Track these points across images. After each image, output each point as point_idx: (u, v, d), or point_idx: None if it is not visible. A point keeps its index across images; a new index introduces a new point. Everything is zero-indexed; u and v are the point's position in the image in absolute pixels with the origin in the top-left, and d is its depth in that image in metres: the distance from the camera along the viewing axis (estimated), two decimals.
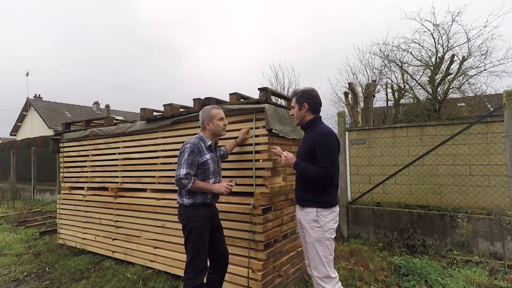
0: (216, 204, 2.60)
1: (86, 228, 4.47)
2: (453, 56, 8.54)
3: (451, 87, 8.63)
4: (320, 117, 2.34)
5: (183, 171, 2.19)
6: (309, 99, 2.26)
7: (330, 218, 2.13)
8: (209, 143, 2.38)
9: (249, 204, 2.72)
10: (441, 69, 8.77)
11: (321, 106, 2.32)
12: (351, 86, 8.96)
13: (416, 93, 9.58)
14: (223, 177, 2.82)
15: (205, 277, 2.34)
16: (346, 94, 10.09)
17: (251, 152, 2.80)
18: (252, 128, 2.80)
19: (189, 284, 2.19)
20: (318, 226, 2.12)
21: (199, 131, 2.48)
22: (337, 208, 2.20)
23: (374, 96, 9.55)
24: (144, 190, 3.76)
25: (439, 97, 8.51)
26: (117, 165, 4.07)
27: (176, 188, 3.35)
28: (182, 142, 3.31)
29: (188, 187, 2.19)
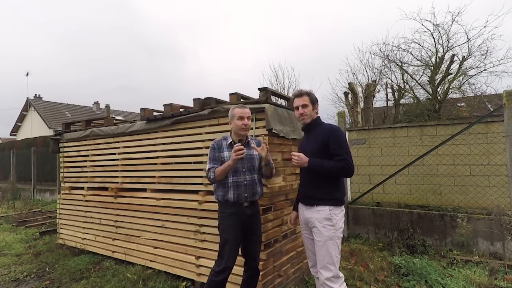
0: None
1: (86, 228, 4.47)
2: (453, 56, 8.55)
3: (451, 87, 8.64)
4: None
5: (207, 167, 2.35)
6: (317, 101, 2.34)
7: (340, 216, 2.16)
8: (229, 141, 2.37)
9: None
10: (441, 69, 8.78)
11: None
12: (351, 86, 8.97)
13: (416, 93, 9.60)
14: None
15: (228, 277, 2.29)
16: (346, 94, 10.10)
17: None
18: (252, 128, 2.80)
19: (210, 276, 2.24)
20: (331, 224, 2.11)
21: None
22: (344, 208, 2.22)
23: (374, 96, 9.57)
24: (144, 190, 3.76)
25: (439, 97, 8.51)
26: (117, 165, 4.07)
27: (177, 188, 3.40)
28: (182, 142, 3.34)
29: (211, 177, 2.29)
